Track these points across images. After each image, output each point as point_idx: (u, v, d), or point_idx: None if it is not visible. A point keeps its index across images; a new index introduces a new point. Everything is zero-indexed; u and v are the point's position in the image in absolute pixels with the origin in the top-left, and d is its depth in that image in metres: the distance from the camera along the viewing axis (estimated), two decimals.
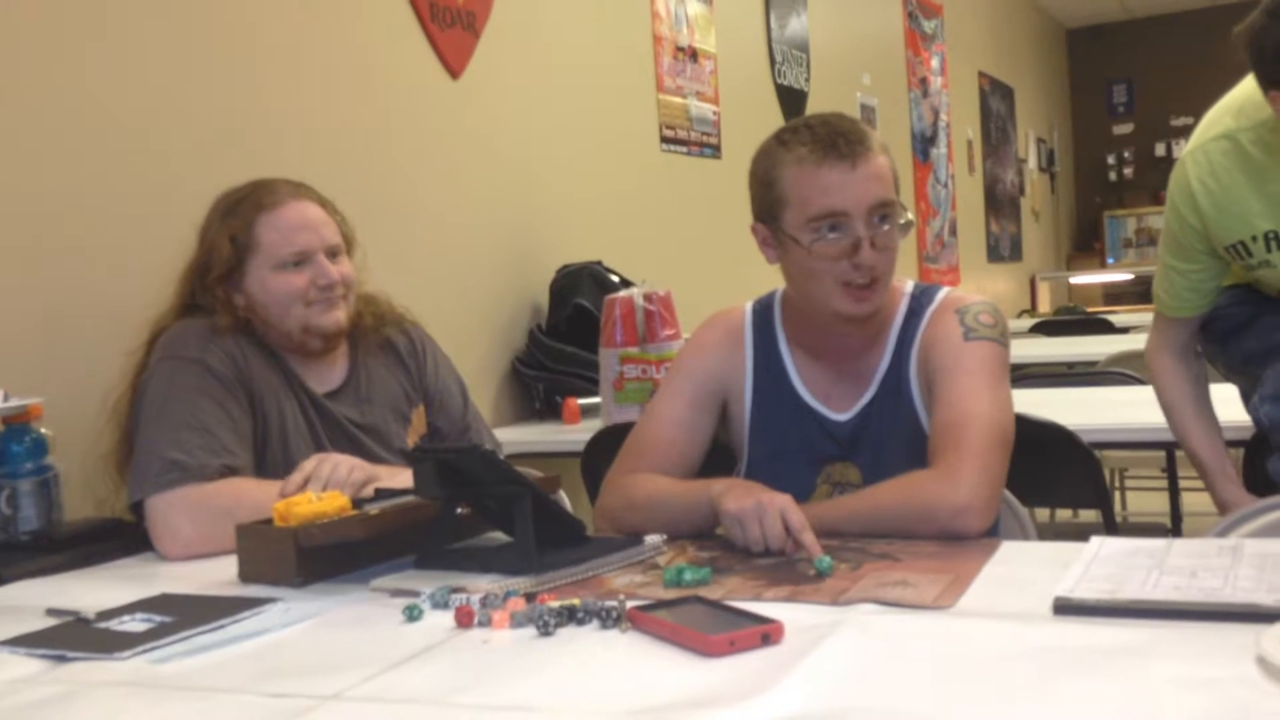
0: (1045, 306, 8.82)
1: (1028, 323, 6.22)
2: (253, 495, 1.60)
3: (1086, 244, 10.30)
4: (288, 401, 1.80)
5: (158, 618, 1.22)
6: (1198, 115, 2.04)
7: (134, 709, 1.00)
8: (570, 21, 3.49)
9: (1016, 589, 1.16)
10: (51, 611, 1.30)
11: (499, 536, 1.46)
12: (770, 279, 1.71)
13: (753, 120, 4.41)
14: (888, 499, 1.44)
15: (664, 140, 3.97)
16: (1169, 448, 2.37)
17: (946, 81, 7.05)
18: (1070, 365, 4.20)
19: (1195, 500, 2.20)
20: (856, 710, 0.87)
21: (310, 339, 1.81)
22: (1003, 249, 8.22)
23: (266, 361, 1.80)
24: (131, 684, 1.05)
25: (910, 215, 1.58)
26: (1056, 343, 5.07)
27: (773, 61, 4.84)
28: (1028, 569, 1.25)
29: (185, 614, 1.23)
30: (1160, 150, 9.96)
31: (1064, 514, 4.19)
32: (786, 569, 1.29)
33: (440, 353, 2.01)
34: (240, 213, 1.80)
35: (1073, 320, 6.27)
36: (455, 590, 1.24)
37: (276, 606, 1.26)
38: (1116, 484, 4.54)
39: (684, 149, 4.08)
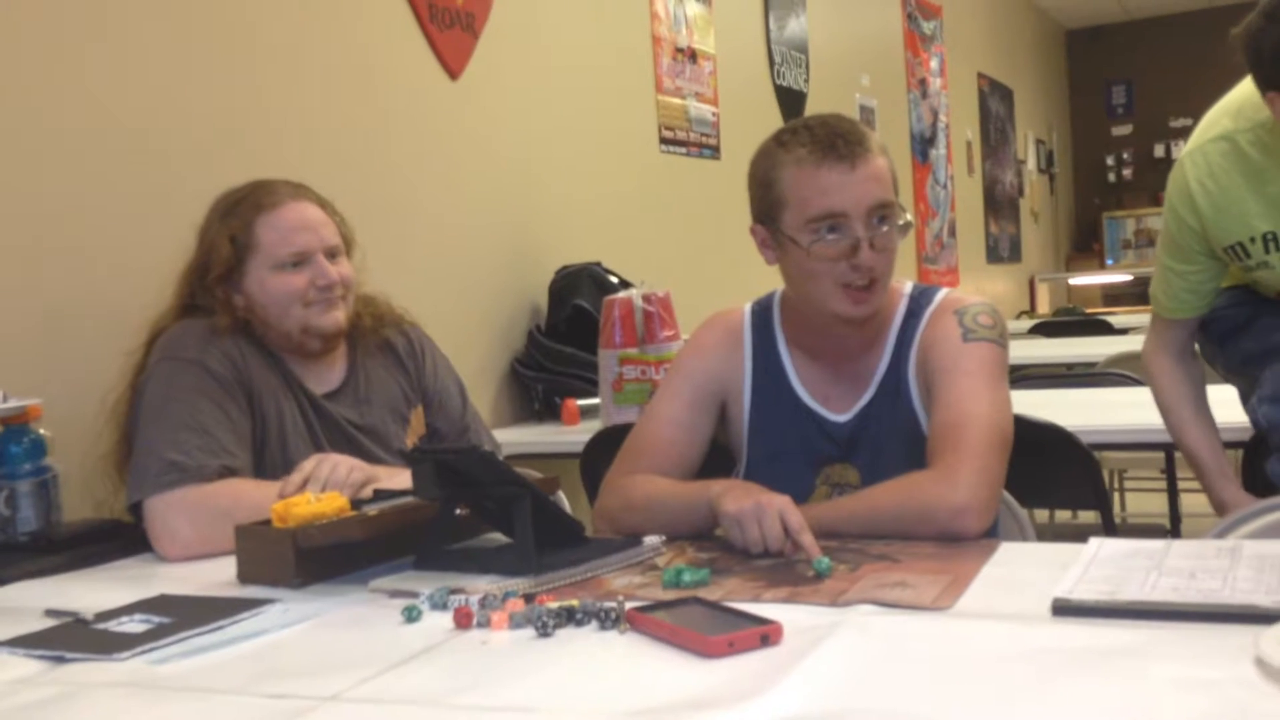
0: (1044, 307, 8.83)
1: (1027, 324, 6.23)
2: (251, 496, 1.60)
3: (1085, 245, 10.31)
4: (286, 402, 1.80)
5: (156, 618, 1.22)
6: (1197, 116, 2.04)
7: (133, 710, 1.00)
8: (569, 22, 3.49)
9: (1015, 590, 1.17)
10: (50, 612, 1.30)
11: (498, 537, 1.46)
12: (769, 280, 1.71)
13: (752, 121, 4.41)
14: (886, 500, 1.44)
15: (663, 141, 3.97)
16: (1168, 449, 2.37)
17: (945, 82, 7.05)
18: (1069, 366, 4.21)
19: (1194, 501, 2.20)
20: (855, 711, 0.87)
21: (309, 339, 1.81)
22: (1002, 250, 8.22)
23: (265, 362, 1.80)
24: (130, 685, 1.05)
25: (909, 216, 1.58)
26: (1055, 344, 5.08)
27: (772, 62, 4.84)
28: (1026, 570, 1.25)
29: (184, 615, 1.23)
30: (1159, 151, 9.97)
31: (1063, 515, 4.19)
32: (785, 570, 1.29)
33: (439, 353, 2.01)
34: (240, 213, 1.80)
35: (1072, 321, 6.28)
36: (454, 591, 1.24)
37: (275, 607, 1.26)
38: (1115, 485, 4.54)
39: (683, 150, 4.08)
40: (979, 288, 7.29)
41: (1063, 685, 0.89)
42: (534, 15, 3.32)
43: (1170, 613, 1.02)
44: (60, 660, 1.13)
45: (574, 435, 2.76)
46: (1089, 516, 3.73)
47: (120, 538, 1.69)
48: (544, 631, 1.10)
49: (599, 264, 3.21)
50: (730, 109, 4.38)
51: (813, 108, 5.08)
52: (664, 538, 1.45)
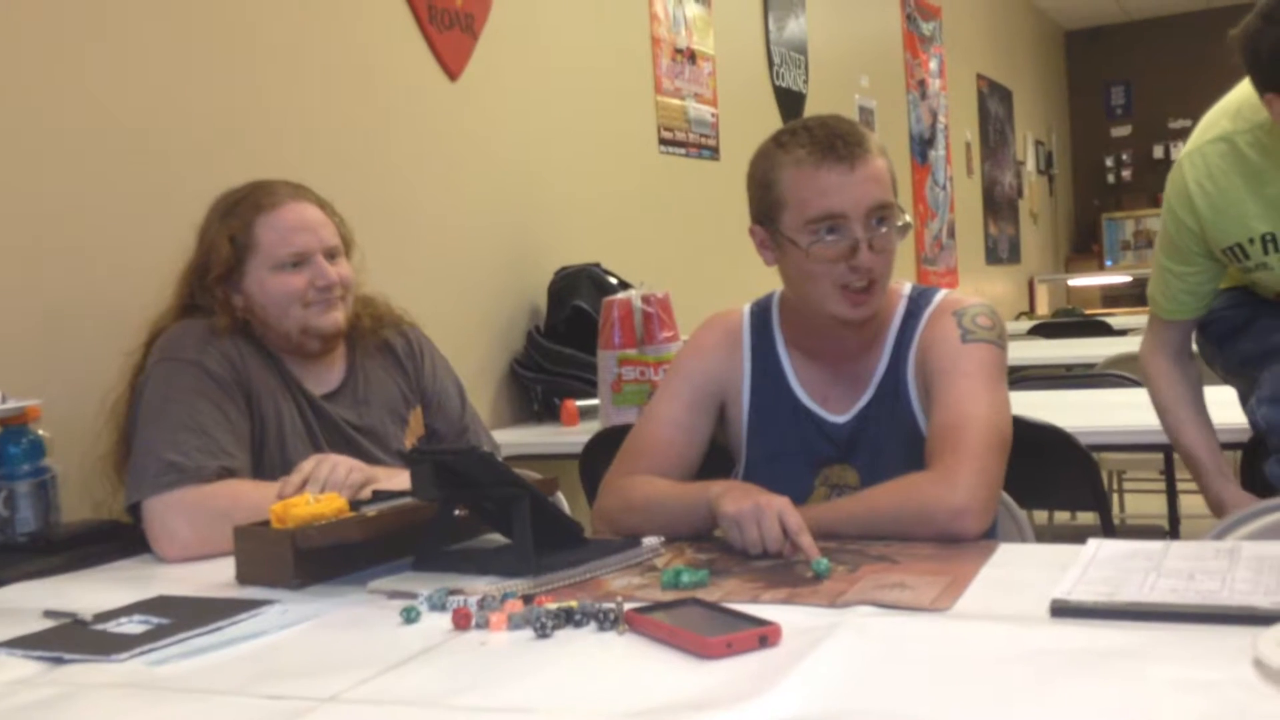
0: (1043, 309, 8.83)
1: (1026, 325, 6.23)
2: (250, 497, 1.60)
3: (1085, 246, 10.31)
4: (285, 403, 1.80)
5: (155, 619, 1.22)
6: (1196, 117, 2.04)
7: (131, 711, 1.00)
8: (568, 23, 3.49)
9: (1014, 591, 1.17)
10: (49, 613, 1.30)
11: (497, 538, 1.46)
12: (768, 281, 1.71)
13: (751, 122, 4.41)
14: (885, 501, 1.44)
15: (662, 142, 3.97)
16: (1167, 450, 2.37)
17: (945, 83, 7.05)
18: (1068, 367, 4.21)
19: (1193, 503, 2.20)
20: (854, 713, 0.87)
21: (308, 340, 1.81)
22: (1001, 251, 8.22)
23: (264, 363, 1.80)
24: (129, 686, 1.05)
25: (908, 218, 1.59)
26: (1054, 345, 5.08)
27: (771, 63, 4.84)
28: (1025, 571, 1.26)
29: (183, 616, 1.23)
30: (1158, 152, 9.97)
31: (1062, 516, 4.19)
32: (784, 571, 1.29)
33: (438, 354, 2.01)
34: (239, 213, 1.80)
35: (1071, 322, 6.28)
36: (453, 592, 1.24)
37: (274, 608, 1.26)
38: (1114, 486, 4.55)
39: (682, 151, 4.08)
40: (978, 289, 7.29)
41: (1061, 686, 0.89)
42: (533, 16, 3.32)
43: (1169, 614, 1.02)
44: (59, 661, 1.13)
45: (573, 436, 2.76)
46: (1088, 518, 3.74)
47: (119, 538, 1.69)
48: (543, 632, 1.10)
49: (598, 265, 3.21)
50: (729, 110, 4.38)
51: (812, 109, 5.08)
52: (663, 539, 1.45)
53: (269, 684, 1.03)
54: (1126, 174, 10.28)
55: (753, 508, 1.36)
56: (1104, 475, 3.67)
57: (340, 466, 1.62)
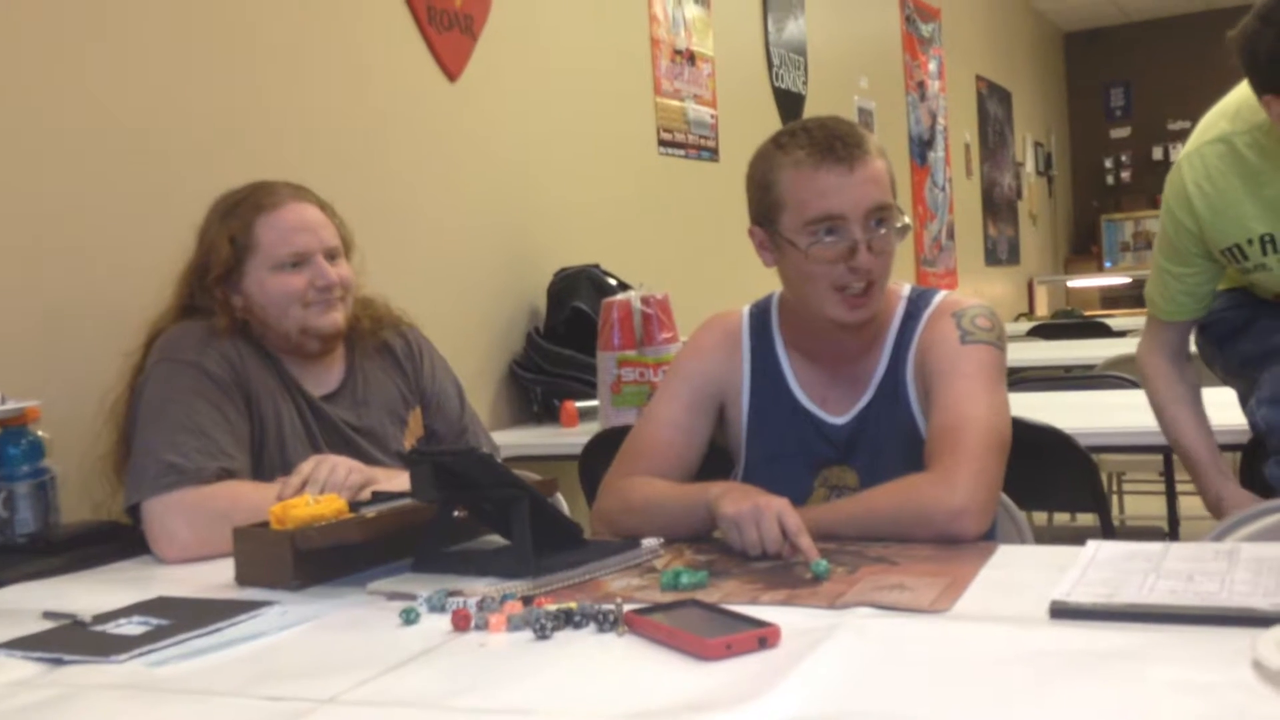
0: (1043, 310, 8.83)
1: (1025, 326, 6.24)
2: (250, 498, 1.60)
3: (1084, 247, 10.31)
4: (284, 404, 1.80)
5: (154, 621, 1.22)
6: (1195, 119, 2.04)
7: (131, 712, 1.00)
8: (568, 24, 3.49)
9: (1013, 592, 1.17)
10: (48, 614, 1.30)
11: (496, 540, 1.46)
12: (768, 282, 1.71)
13: (750, 123, 4.41)
14: (884, 502, 1.44)
15: (661, 143, 3.97)
16: (1166, 452, 2.37)
17: (944, 85, 7.06)
18: (1068, 369, 4.21)
19: (1193, 504, 2.20)
20: (853, 714, 0.87)
21: (308, 340, 1.81)
22: (1000, 252, 8.22)
23: (263, 364, 1.80)
24: (128, 687, 1.05)
25: (907, 219, 1.59)
26: (1054, 346, 5.08)
27: (770, 64, 4.84)
28: (1024, 572, 1.26)
29: (182, 617, 1.23)
30: (1158, 154, 9.97)
31: (1061, 517, 4.19)
32: (783, 572, 1.29)
33: (437, 355, 2.01)
34: (240, 213, 1.81)
35: (1070, 324, 6.29)
36: (452, 593, 1.24)
37: (273, 609, 1.26)
38: (1114, 488, 4.55)
39: (681, 152, 4.09)
40: (977, 290, 7.30)
41: (1060, 688, 0.89)
42: (532, 17, 3.32)
43: (1168, 615, 1.02)
44: (58, 662, 1.13)
45: (572, 437, 2.76)
46: (1087, 519, 3.74)
47: (118, 539, 1.69)
48: (542, 634, 1.10)
49: (597, 266, 3.21)
50: (729, 111, 4.38)
51: (811, 110, 5.08)
52: (662, 540, 1.45)
53: (268, 685, 1.03)
54: (1126, 175, 10.29)
55: (752, 509, 1.36)
56: (1103, 477, 3.66)
57: (340, 468, 1.62)
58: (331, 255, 1.82)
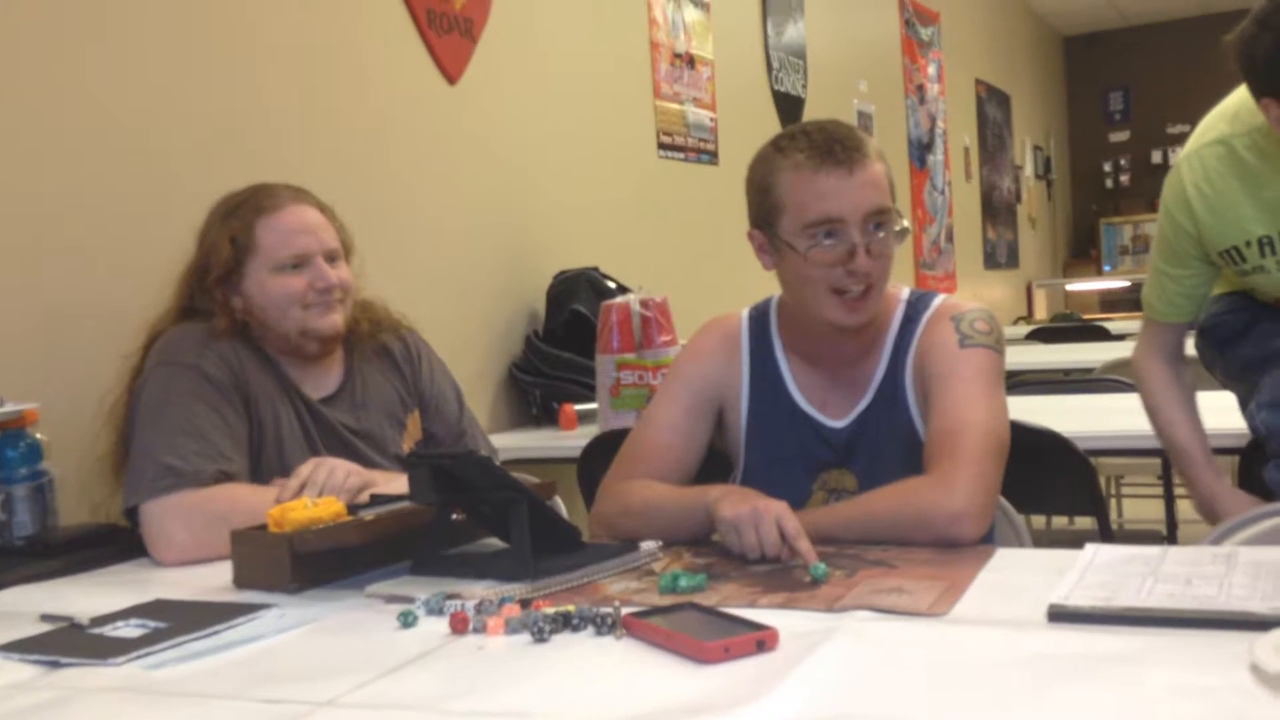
0: (1041, 313, 8.84)
1: (1024, 329, 6.23)
2: (248, 501, 1.60)
3: (1083, 251, 10.32)
4: (283, 407, 1.80)
5: (152, 623, 1.22)
6: (1194, 122, 2.04)
7: (128, 715, 1.00)
8: (567, 28, 3.49)
9: (1011, 596, 1.17)
10: (46, 617, 1.30)
11: (494, 542, 1.46)
12: (767, 285, 1.71)
13: (750, 127, 4.41)
14: (883, 506, 1.44)
15: (661, 146, 3.97)
16: (1165, 455, 2.37)
17: (943, 88, 7.06)
18: (1066, 372, 4.21)
19: (1191, 508, 2.20)
20: (851, 717, 0.88)
21: (307, 342, 1.81)
22: (999, 256, 8.23)
23: (262, 366, 1.80)
24: (125, 690, 1.05)
25: (906, 223, 1.59)
26: (1052, 350, 5.08)
27: (770, 68, 4.84)
28: (1022, 576, 1.26)
29: (180, 620, 1.23)
30: (1157, 157, 9.98)
31: (1059, 521, 4.19)
32: (782, 576, 1.29)
33: (436, 358, 2.02)
34: (240, 215, 1.81)
35: (1069, 327, 6.29)
36: (450, 596, 1.24)
37: (271, 612, 1.26)
38: (1112, 491, 4.55)
39: (681, 155, 4.09)
40: (976, 293, 7.30)
41: (1058, 691, 0.89)
42: (532, 20, 3.32)
43: (1166, 619, 1.02)
44: (55, 665, 1.13)
45: (571, 440, 2.76)
46: (1085, 522, 3.74)
47: (116, 542, 1.69)
48: (540, 637, 1.10)
49: (597, 269, 3.21)
50: (728, 114, 4.38)
51: (810, 113, 5.09)
52: (660, 543, 1.45)
53: (266, 688, 1.03)
54: (1125, 179, 10.29)
55: (750, 512, 1.36)
56: (1101, 480, 3.67)
57: (338, 470, 1.62)
58: (331, 257, 1.82)
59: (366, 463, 1.76)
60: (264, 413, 1.77)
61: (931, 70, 6.86)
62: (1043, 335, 5.77)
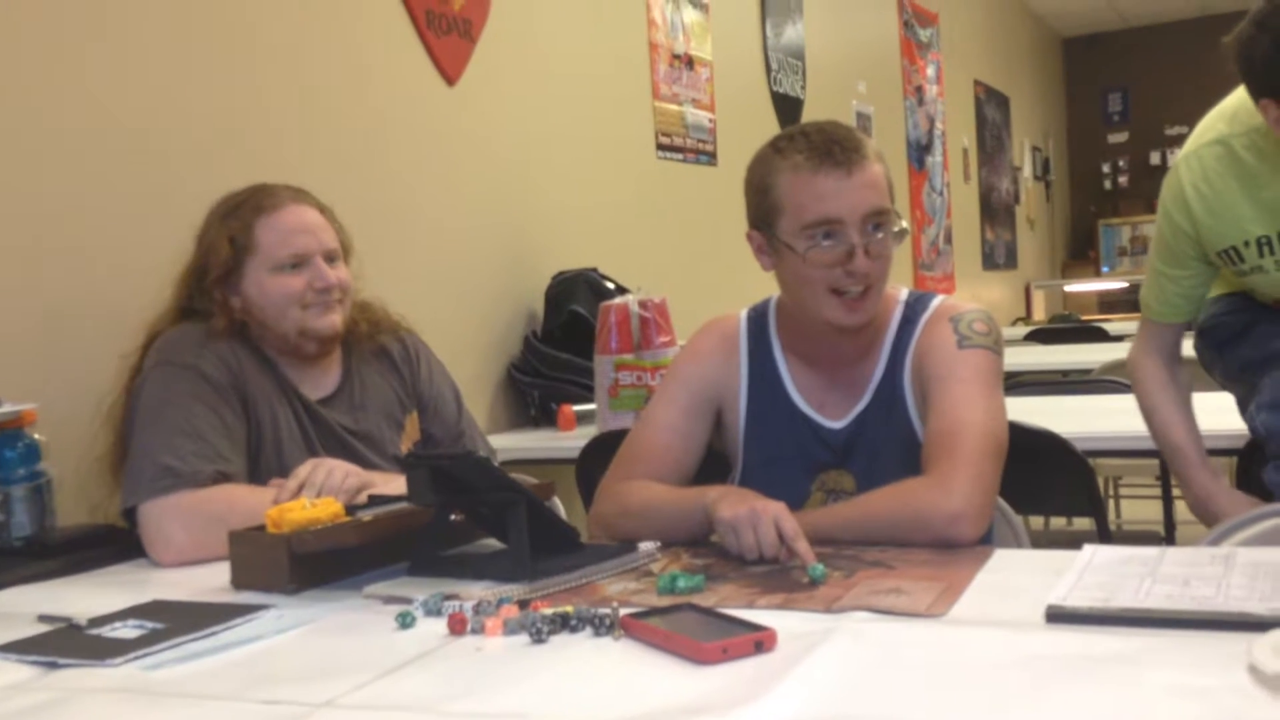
0: (1040, 314, 8.84)
1: (1022, 330, 6.24)
2: (246, 501, 1.60)
3: (1081, 252, 10.33)
4: (281, 407, 1.80)
5: (150, 624, 1.22)
6: (1193, 124, 2.04)
7: (126, 716, 1.00)
8: (566, 29, 3.49)
9: (1009, 597, 1.17)
10: (43, 618, 1.30)
11: (492, 543, 1.46)
12: (765, 286, 1.71)
13: (748, 128, 4.41)
14: (881, 507, 1.44)
15: (660, 147, 3.97)
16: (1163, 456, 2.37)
17: (942, 90, 7.06)
18: (1065, 373, 4.21)
19: (1189, 509, 2.20)
20: (849, 718, 0.87)
21: (306, 342, 1.81)
22: (998, 257, 8.23)
23: (260, 367, 1.80)
24: (123, 691, 1.05)
25: (904, 224, 1.59)
26: (1051, 351, 5.09)
27: (769, 69, 4.84)
28: (1021, 577, 1.26)
29: (178, 620, 1.23)
30: (1155, 159, 9.99)
31: (1058, 522, 4.19)
32: (780, 576, 1.29)
33: (434, 359, 2.02)
34: (240, 215, 1.81)
35: (1067, 328, 6.29)
36: (448, 597, 1.24)
37: (269, 613, 1.26)
38: (1110, 492, 4.55)
39: (680, 156, 4.09)
40: (975, 294, 7.30)
41: (1056, 692, 0.89)
42: (531, 21, 3.32)
43: (1164, 620, 1.02)
44: (53, 666, 1.13)
45: (570, 441, 2.76)
46: (1084, 523, 3.73)
47: (114, 543, 1.69)
48: (538, 638, 1.10)
49: (595, 270, 3.21)
50: (727, 115, 4.38)
51: (809, 114, 5.09)
52: (659, 544, 1.45)
53: (264, 689, 1.03)
54: (1123, 180, 10.30)
55: (749, 513, 1.36)
56: (1100, 481, 3.66)
57: (336, 471, 1.62)
58: (330, 258, 1.82)
59: (365, 463, 1.76)
60: (262, 413, 1.77)
61: (930, 71, 6.86)
62: (1041, 336, 5.78)
